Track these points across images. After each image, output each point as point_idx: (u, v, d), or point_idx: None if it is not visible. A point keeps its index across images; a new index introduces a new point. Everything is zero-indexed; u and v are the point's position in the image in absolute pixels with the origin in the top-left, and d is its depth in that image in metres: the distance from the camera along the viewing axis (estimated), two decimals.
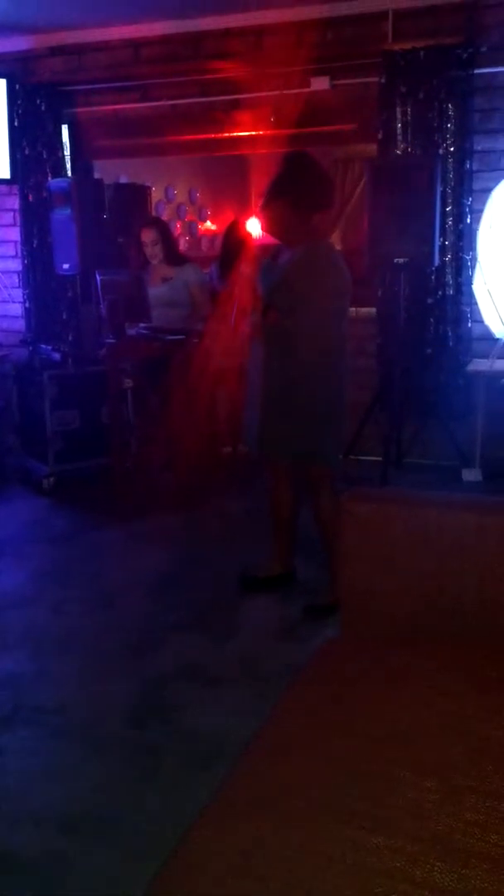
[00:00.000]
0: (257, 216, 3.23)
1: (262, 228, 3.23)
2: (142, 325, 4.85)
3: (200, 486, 4.84)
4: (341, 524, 1.95)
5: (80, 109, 5.85)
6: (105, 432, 4.97)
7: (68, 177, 5.75)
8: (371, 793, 1.27)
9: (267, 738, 1.50)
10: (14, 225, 6.07)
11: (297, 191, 3.12)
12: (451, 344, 5.02)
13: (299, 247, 3.19)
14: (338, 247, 8.35)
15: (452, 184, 4.85)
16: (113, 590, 3.61)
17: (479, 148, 4.85)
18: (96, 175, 5.92)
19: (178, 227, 8.65)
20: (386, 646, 1.81)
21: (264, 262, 3.31)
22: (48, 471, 4.92)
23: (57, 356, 5.06)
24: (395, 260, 4.59)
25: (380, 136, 4.97)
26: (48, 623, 3.34)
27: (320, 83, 5.17)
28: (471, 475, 4.79)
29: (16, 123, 5.79)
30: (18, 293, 6.12)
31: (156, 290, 5.00)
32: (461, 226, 4.90)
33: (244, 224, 3.35)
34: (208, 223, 9.33)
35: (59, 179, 5.51)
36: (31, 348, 5.42)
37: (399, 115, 4.89)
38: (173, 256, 5.13)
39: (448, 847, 1.16)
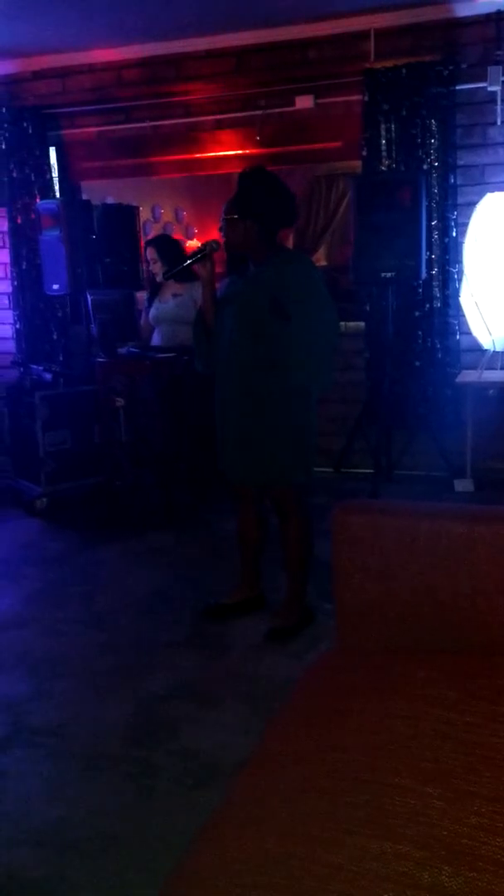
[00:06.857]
0: (220, 232, 3.16)
1: (227, 245, 3.18)
2: (131, 344, 4.86)
3: (193, 505, 4.85)
4: (333, 537, 1.95)
5: (65, 132, 5.90)
6: (97, 452, 4.98)
7: (56, 198, 5.79)
8: (373, 801, 1.27)
9: (266, 750, 1.50)
10: (3, 247, 6.11)
11: (263, 211, 3.05)
12: (439, 356, 5.06)
13: (273, 257, 3.09)
14: (323, 262, 8.41)
15: (437, 198, 4.91)
16: (107, 609, 3.60)
17: (461, 163, 4.92)
18: (84, 196, 5.96)
19: None
20: (381, 657, 1.81)
21: (230, 276, 3.29)
22: (41, 491, 4.92)
23: (48, 376, 5.06)
24: (383, 274, 4.63)
25: (364, 152, 5.03)
26: (43, 644, 3.32)
27: (304, 101, 5.23)
28: (463, 485, 4.80)
29: (3, 147, 5.84)
30: (8, 314, 6.15)
31: (164, 306, 4.99)
32: (447, 239, 4.95)
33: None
34: (195, 241, 9.38)
35: (47, 201, 5.54)
36: (21, 369, 5.42)
37: (383, 132, 4.96)
38: (183, 272, 5.02)
39: (454, 851, 1.15)
